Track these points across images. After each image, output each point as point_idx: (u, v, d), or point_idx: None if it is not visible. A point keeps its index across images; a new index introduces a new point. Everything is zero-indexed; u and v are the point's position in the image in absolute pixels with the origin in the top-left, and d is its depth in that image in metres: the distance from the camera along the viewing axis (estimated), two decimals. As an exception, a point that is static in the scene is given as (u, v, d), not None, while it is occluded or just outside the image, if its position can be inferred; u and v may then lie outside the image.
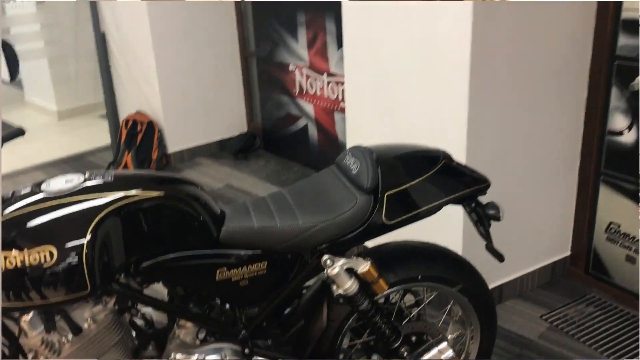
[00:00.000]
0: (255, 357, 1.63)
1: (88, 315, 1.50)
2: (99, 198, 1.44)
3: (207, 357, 1.60)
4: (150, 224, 1.48)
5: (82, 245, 1.37)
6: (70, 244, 1.36)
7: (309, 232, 1.56)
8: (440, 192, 1.63)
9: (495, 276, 2.56)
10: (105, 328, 1.52)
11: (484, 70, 2.24)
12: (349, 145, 2.99)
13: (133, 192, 1.47)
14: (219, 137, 4.82)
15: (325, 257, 1.58)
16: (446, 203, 1.64)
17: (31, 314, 1.45)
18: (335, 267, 1.59)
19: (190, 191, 1.58)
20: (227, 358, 1.61)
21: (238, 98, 4.84)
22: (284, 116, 4.51)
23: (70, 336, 1.49)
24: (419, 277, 1.74)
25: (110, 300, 1.53)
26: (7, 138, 1.71)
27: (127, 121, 4.52)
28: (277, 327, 1.76)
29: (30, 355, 1.51)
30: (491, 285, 2.54)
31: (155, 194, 1.49)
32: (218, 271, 1.57)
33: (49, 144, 5.37)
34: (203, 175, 4.38)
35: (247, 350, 1.62)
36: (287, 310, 1.76)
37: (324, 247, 1.58)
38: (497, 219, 1.66)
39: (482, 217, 1.73)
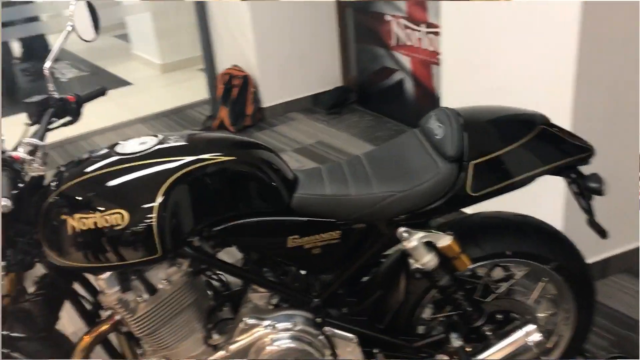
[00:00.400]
0: (326, 327, 1.58)
1: (163, 277, 1.51)
2: (171, 161, 1.41)
3: (277, 324, 1.57)
4: (222, 188, 1.44)
5: (153, 208, 1.36)
6: (140, 208, 1.36)
7: (385, 202, 1.46)
8: (534, 161, 1.46)
9: (600, 248, 2.34)
10: (179, 289, 1.53)
11: (596, 19, 1.98)
12: (443, 101, 2.81)
13: (205, 155, 1.44)
14: (313, 91, 4.75)
15: (402, 229, 1.48)
16: (541, 174, 1.47)
17: (108, 273, 1.47)
18: (413, 240, 1.48)
19: (264, 156, 1.52)
20: (298, 326, 1.57)
21: (333, 50, 4.72)
22: (379, 69, 4.35)
23: (145, 296, 1.50)
24: (508, 253, 1.60)
25: (184, 263, 1.53)
26: (90, 97, 1.72)
27: (223, 75, 4.55)
28: (352, 297, 1.71)
29: (107, 312, 1.55)
30: (595, 258, 2.34)
31: (227, 158, 1.45)
32: (290, 238, 1.52)
33: (152, 96, 5.56)
34: (295, 131, 4.35)
35: (318, 319, 1.57)
36: (363, 280, 1.70)
37: (401, 218, 1.48)
38: (599, 192, 1.47)
39: (583, 190, 1.55)
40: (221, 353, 1.59)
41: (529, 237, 1.62)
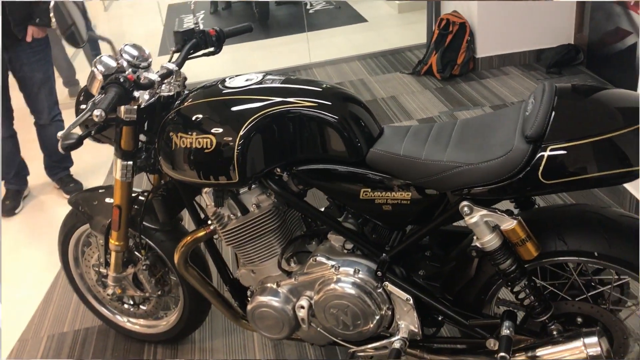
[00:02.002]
0: (385, 282, 1.61)
1: (254, 201, 1.69)
2: (260, 100, 1.55)
3: (341, 267, 1.65)
4: (301, 132, 1.54)
5: (235, 140, 1.52)
6: (225, 137, 1.53)
7: (450, 172, 1.41)
8: (626, 157, 1.26)
9: None
10: (266, 214, 1.69)
11: None
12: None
13: (291, 99, 1.54)
14: (536, 46, 4.41)
15: (464, 203, 1.42)
16: (630, 175, 1.26)
17: (207, 188, 1.70)
18: (474, 216, 1.42)
19: (349, 108, 1.57)
20: (359, 274, 1.63)
21: (570, 4, 4.28)
22: (612, 30, 3.85)
23: (237, 214, 1.70)
24: (595, 254, 1.42)
25: (273, 193, 1.68)
26: (234, 33, 1.92)
27: (441, 20, 4.47)
28: (430, 261, 1.70)
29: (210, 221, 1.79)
30: None
31: (309, 104, 1.54)
32: (362, 190, 1.57)
33: (380, 35, 5.70)
34: (503, 87, 4.13)
35: (379, 272, 1.61)
36: (437, 249, 1.68)
37: (466, 191, 1.42)
38: None
39: None
40: (291, 280, 1.74)
41: (625, 242, 1.41)
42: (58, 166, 3.47)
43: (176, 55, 1.81)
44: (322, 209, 1.73)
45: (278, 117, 1.53)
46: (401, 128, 1.62)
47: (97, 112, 1.40)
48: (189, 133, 1.58)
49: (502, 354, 1.42)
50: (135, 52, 1.72)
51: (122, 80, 1.51)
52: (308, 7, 7.00)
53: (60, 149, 1.59)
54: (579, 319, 1.53)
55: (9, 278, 2.82)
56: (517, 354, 1.51)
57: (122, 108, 1.64)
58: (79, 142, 1.62)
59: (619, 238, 1.42)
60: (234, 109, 1.56)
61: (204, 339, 2.26)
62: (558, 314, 1.55)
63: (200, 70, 5.28)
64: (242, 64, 5.38)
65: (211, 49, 1.90)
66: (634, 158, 1.24)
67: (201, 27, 1.87)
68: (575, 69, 4.24)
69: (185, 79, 1.82)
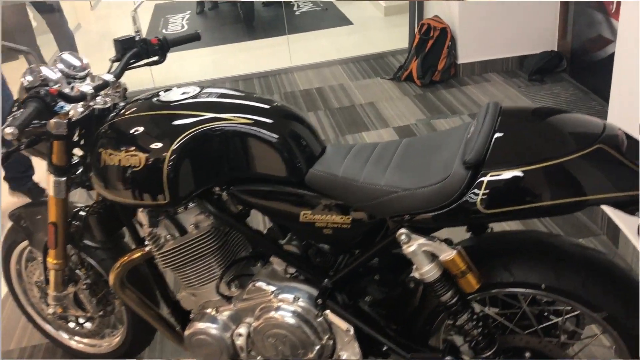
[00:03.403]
0: (326, 311, 1.52)
1: (192, 221, 1.59)
2: (193, 117, 1.46)
3: (281, 294, 1.56)
4: (236, 150, 1.45)
5: (165, 157, 1.43)
6: (155, 155, 1.43)
7: (387, 197, 1.32)
8: (576, 186, 1.17)
9: None
10: (206, 235, 1.60)
11: None
12: None
13: (225, 115, 1.45)
14: (519, 52, 4.32)
15: (402, 231, 1.33)
16: (581, 204, 1.17)
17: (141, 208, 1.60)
18: (412, 245, 1.33)
19: (287, 125, 1.48)
20: (299, 302, 1.54)
21: (553, 9, 4.19)
22: (595, 37, 3.76)
23: (175, 234, 1.61)
24: (542, 286, 1.34)
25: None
26: (180, 42, 1.83)
27: (422, 25, 4.38)
28: (375, 288, 1.61)
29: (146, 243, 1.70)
30: None
31: (245, 120, 1.45)
32: (302, 212, 1.48)
33: (364, 39, 5.61)
34: (484, 94, 4.04)
35: (319, 300, 1.52)
36: (386, 273, 1.58)
37: (404, 218, 1.33)
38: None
39: None
40: (230, 306, 1.65)
41: (577, 274, 1.32)
42: (24, 176, 3.36)
43: (115, 65, 1.71)
44: (266, 230, 1.64)
45: (211, 134, 1.44)
46: (344, 147, 1.53)
47: (8, 129, 1.31)
48: (118, 150, 1.48)
49: (438, 393, 1.33)
50: (73, 62, 1.63)
51: (42, 93, 1.42)
52: (295, 8, 6.91)
53: None
54: (528, 354, 1.44)
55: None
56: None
57: (52, 122, 1.55)
58: (5, 158, 1.53)
59: (568, 270, 1.33)
60: (165, 125, 1.46)
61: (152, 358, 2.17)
62: (506, 347, 1.46)
63: (178, 73, 5.19)
64: (222, 67, 5.29)
65: (154, 58, 1.80)
66: (584, 186, 1.15)
67: (139, 36, 1.76)
68: (558, 76, 4.15)
69: (125, 89, 1.73)
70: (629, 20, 2.17)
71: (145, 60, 1.79)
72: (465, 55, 4.29)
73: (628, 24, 2.18)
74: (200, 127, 1.44)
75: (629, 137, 1.27)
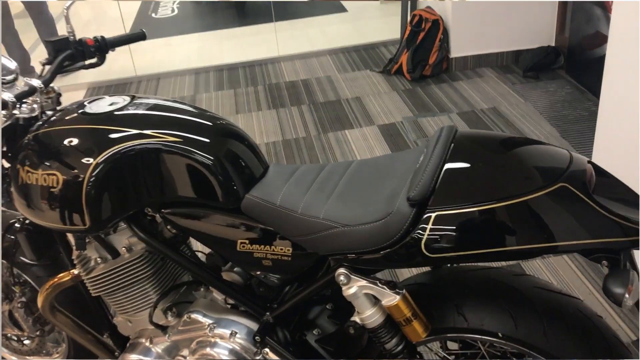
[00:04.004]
0: (265, 349, 1.38)
1: (124, 243, 1.45)
2: (117, 132, 1.30)
3: (217, 329, 1.42)
4: (162, 171, 1.30)
5: (84, 178, 1.28)
6: (73, 175, 1.28)
7: (326, 232, 1.17)
8: (534, 230, 1.01)
9: None
10: (139, 259, 1.46)
11: None
12: None
13: (150, 132, 1.30)
14: (514, 47, 4.13)
15: (341, 270, 1.18)
16: (537, 251, 1.02)
17: (67, 229, 1.46)
18: (352, 287, 1.18)
19: (224, 143, 1.32)
20: (236, 337, 1.40)
21: (552, 2, 3.99)
22: (592, 34, 3.57)
23: (107, 258, 1.47)
24: (499, 334, 1.19)
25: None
26: (122, 42, 1.67)
27: (414, 17, 4.19)
28: (328, 317, 1.46)
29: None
30: None
31: (172, 138, 1.29)
32: (239, 241, 1.33)
33: (356, 28, 5.41)
34: (475, 90, 3.86)
35: (258, 337, 1.38)
36: (339, 303, 1.44)
37: (343, 257, 1.18)
38: (617, 302, 0.98)
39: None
40: (164, 338, 1.51)
41: (538, 323, 1.17)
42: None
43: (47, 68, 1.56)
44: (206, 256, 1.49)
45: (134, 152, 1.28)
46: (288, 168, 1.37)
47: None
48: (35, 167, 1.33)
49: None
50: (2, 64, 1.48)
51: None
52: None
53: None
54: (484, 406, 1.30)
55: None
56: None
57: None
58: None
59: (528, 317, 1.18)
60: (85, 141, 1.31)
61: (100, 378, 2.03)
62: (461, 394, 1.32)
63: (162, 60, 5.02)
64: (207, 55, 5.11)
65: (92, 61, 1.64)
66: (542, 231, 1.00)
67: (73, 37, 1.60)
68: (554, 73, 3.97)
69: (59, 95, 1.58)
70: (621, 17, 2.00)
71: (81, 63, 1.63)
72: (458, 48, 4.11)
73: (621, 21, 2.01)
74: (122, 144, 1.28)
75: (600, 172, 1.11)
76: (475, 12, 3.97)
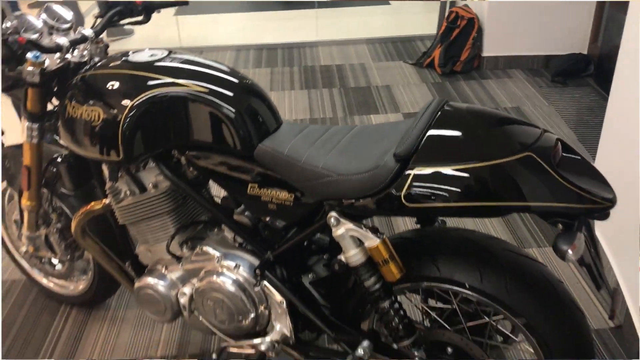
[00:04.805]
0: (264, 282, 1.56)
1: (152, 180, 1.65)
2: (153, 79, 1.50)
3: (224, 260, 1.60)
4: (189, 116, 1.48)
5: (122, 116, 1.47)
6: (112, 112, 1.48)
7: (322, 180, 1.34)
8: (498, 190, 1.17)
9: None
10: (163, 195, 1.65)
11: None
12: None
13: (183, 81, 1.49)
14: (547, 51, 4.22)
15: (332, 214, 1.35)
16: (500, 210, 1.18)
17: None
18: (340, 228, 1.35)
19: (244, 98, 1.50)
20: (239, 270, 1.58)
21: (587, 10, 4.06)
22: (622, 44, 3.64)
23: (136, 191, 1.67)
24: (466, 285, 1.35)
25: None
26: (164, 5, 1.86)
27: (450, 13, 4.31)
28: (323, 265, 1.64)
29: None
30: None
31: (200, 88, 1.48)
32: (250, 185, 1.51)
33: (397, 20, 5.55)
34: (503, 90, 3.97)
35: (258, 271, 1.56)
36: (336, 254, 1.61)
37: (337, 202, 1.35)
38: (561, 257, 1.13)
39: (589, 246, 1.22)
40: (178, 266, 1.70)
41: (501, 278, 1.33)
42: None
43: (99, 22, 1.76)
44: (221, 199, 1.68)
45: (166, 98, 1.47)
46: (298, 126, 1.55)
47: None
48: (81, 103, 1.54)
49: (345, 373, 1.37)
50: (58, 13, 1.68)
51: (9, 41, 1.48)
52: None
53: None
54: (449, 349, 1.46)
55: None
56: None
57: (25, 69, 1.61)
58: None
59: (493, 273, 1.34)
60: (126, 84, 1.51)
61: (118, 307, 2.26)
62: (431, 341, 1.48)
63: (206, 35, 5.24)
64: (249, 34, 5.31)
65: (138, 18, 1.84)
66: (506, 191, 1.15)
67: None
68: (583, 80, 4.05)
69: (106, 46, 1.77)
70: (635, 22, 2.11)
71: (129, 20, 1.83)
72: (491, 48, 4.22)
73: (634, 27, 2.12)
74: (157, 90, 1.48)
75: (570, 151, 1.26)
76: (511, 14, 4.07)
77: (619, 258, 2.11)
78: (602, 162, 2.33)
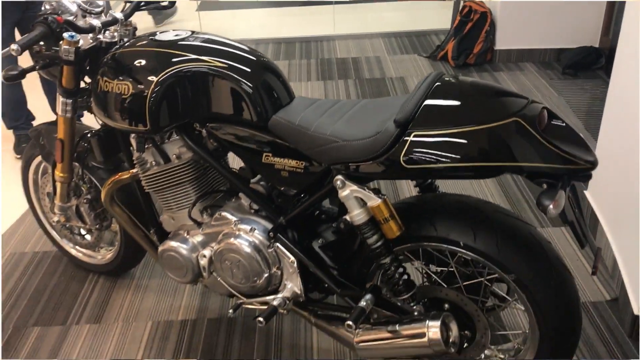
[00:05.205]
0: (277, 244, 1.70)
1: (176, 151, 1.80)
2: (178, 56, 1.64)
3: (240, 224, 1.74)
4: (210, 90, 1.63)
5: (149, 89, 1.62)
6: (140, 85, 1.63)
7: (329, 146, 1.47)
8: (487, 152, 1.29)
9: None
10: (185, 164, 1.80)
11: None
12: None
13: (206, 57, 1.63)
14: (558, 44, 4.30)
15: (338, 177, 1.49)
16: (495, 170, 1.29)
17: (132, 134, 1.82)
18: (345, 190, 1.49)
19: (260, 73, 1.64)
20: (254, 232, 1.72)
21: (599, 4, 4.14)
22: (632, 37, 3.71)
23: (160, 161, 1.82)
24: (460, 243, 1.47)
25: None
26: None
27: (464, 7, 4.41)
28: (332, 232, 1.77)
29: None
30: None
31: (220, 64, 1.62)
32: (264, 154, 1.65)
33: (412, 15, 5.66)
34: (514, 82, 4.07)
35: (271, 233, 1.70)
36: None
37: (341, 166, 1.48)
38: (544, 211, 1.25)
39: (573, 207, 1.35)
40: (199, 231, 1.85)
41: (492, 237, 1.45)
42: (27, 127, 3.57)
43: (128, 5, 1.92)
44: (238, 169, 1.82)
45: (190, 72, 1.62)
46: (309, 99, 1.68)
47: (14, 46, 1.53)
48: (112, 78, 1.69)
49: (348, 322, 1.49)
50: None
51: (50, 20, 1.63)
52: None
53: (2, 79, 1.74)
54: (446, 305, 1.58)
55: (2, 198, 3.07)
56: (371, 325, 1.58)
57: (62, 47, 1.76)
58: (21, 74, 1.76)
59: (485, 231, 1.46)
60: (153, 60, 1.65)
61: (142, 277, 2.41)
62: (430, 297, 1.61)
63: (227, 29, 5.40)
64: (268, 28, 5.46)
65: (164, 3, 1.99)
66: (495, 153, 1.28)
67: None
68: (594, 73, 4.12)
69: (135, 28, 1.93)
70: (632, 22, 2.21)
71: (156, 5, 1.98)
72: (504, 41, 4.31)
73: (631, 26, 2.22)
74: (180, 65, 1.62)
75: (554, 117, 1.37)
76: (523, 8, 4.16)
77: (618, 237, 2.22)
78: (603, 146, 2.43)
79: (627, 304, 2.03)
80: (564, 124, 1.37)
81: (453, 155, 1.31)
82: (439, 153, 1.32)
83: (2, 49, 3.10)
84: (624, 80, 2.26)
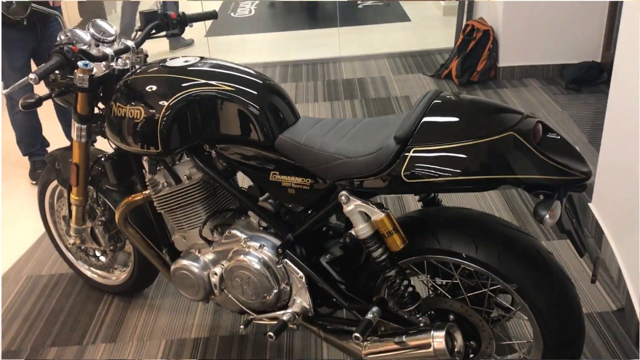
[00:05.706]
0: (285, 260, 1.75)
1: (186, 172, 1.86)
2: (187, 81, 1.72)
3: (249, 241, 1.80)
4: (218, 113, 1.69)
5: (160, 114, 1.69)
6: (151, 110, 1.70)
7: (333, 163, 1.53)
8: (485, 165, 1.34)
9: None
10: (195, 185, 1.86)
11: None
12: None
13: (214, 82, 1.70)
14: (561, 60, 4.36)
15: (343, 192, 1.54)
16: (494, 182, 1.34)
17: (145, 157, 1.89)
18: (350, 205, 1.54)
19: (266, 95, 1.71)
20: (263, 249, 1.77)
21: (600, 20, 4.20)
22: (633, 51, 3.77)
23: (172, 183, 1.88)
24: (463, 255, 1.52)
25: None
26: (197, 19, 2.10)
27: (466, 26, 4.49)
28: (340, 247, 1.82)
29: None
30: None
31: (228, 88, 1.69)
32: (272, 172, 1.71)
33: (417, 36, 5.75)
34: (518, 98, 4.12)
35: (280, 249, 1.75)
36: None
37: (347, 182, 1.54)
38: (540, 221, 1.30)
39: (571, 217, 1.39)
40: (210, 249, 1.91)
41: (493, 248, 1.49)
42: (42, 153, 3.66)
43: (139, 34, 2.00)
44: (247, 188, 1.88)
45: (199, 97, 1.69)
46: (313, 119, 1.75)
47: (32, 75, 1.61)
48: (124, 104, 1.76)
49: (356, 334, 1.54)
50: (103, 27, 1.93)
51: (65, 50, 1.72)
52: (358, 2, 7.11)
53: (20, 107, 1.82)
54: (451, 316, 1.62)
55: (14, 223, 3.14)
56: (378, 337, 1.62)
57: (77, 75, 1.84)
58: (38, 102, 1.84)
59: (487, 243, 1.50)
60: (164, 86, 1.73)
61: (155, 296, 2.47)
62: (435, 308, 1.65)
63: (234, 54, 5.52)
64: (276, 52, 5.57)
65: (174, 31, 2.08)
66: (492, 166, 1.33)
67: (160, 10, 2.04)
68: (597, 87, 4.17)
69: (146, 56, 2.01)
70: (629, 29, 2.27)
71: (165, 32, 2.07)
72: (507, 58, 4.38)
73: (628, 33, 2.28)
74: (190, 90, 1.70)
75: (550, 130, 1.43)
76: (525, 25, 4.23)
77: (622, 247, 2.25)
78: (605, 158, 2.47)
79: (633, 313, 2.05)
80: (559, 137, 1.42)
81: (451, 169, 1.36)
82: (438, 167, 1.38)
83: (20, 79, 3.20)
84: (622, 93, 2.31)
